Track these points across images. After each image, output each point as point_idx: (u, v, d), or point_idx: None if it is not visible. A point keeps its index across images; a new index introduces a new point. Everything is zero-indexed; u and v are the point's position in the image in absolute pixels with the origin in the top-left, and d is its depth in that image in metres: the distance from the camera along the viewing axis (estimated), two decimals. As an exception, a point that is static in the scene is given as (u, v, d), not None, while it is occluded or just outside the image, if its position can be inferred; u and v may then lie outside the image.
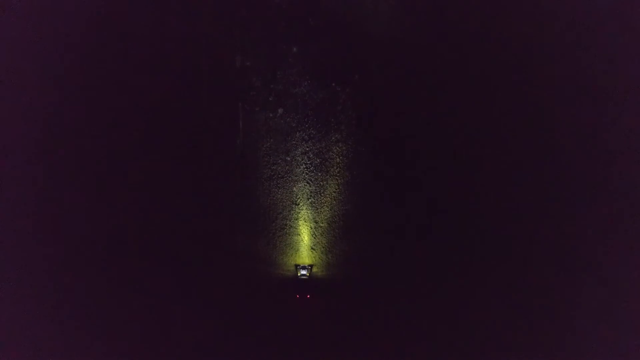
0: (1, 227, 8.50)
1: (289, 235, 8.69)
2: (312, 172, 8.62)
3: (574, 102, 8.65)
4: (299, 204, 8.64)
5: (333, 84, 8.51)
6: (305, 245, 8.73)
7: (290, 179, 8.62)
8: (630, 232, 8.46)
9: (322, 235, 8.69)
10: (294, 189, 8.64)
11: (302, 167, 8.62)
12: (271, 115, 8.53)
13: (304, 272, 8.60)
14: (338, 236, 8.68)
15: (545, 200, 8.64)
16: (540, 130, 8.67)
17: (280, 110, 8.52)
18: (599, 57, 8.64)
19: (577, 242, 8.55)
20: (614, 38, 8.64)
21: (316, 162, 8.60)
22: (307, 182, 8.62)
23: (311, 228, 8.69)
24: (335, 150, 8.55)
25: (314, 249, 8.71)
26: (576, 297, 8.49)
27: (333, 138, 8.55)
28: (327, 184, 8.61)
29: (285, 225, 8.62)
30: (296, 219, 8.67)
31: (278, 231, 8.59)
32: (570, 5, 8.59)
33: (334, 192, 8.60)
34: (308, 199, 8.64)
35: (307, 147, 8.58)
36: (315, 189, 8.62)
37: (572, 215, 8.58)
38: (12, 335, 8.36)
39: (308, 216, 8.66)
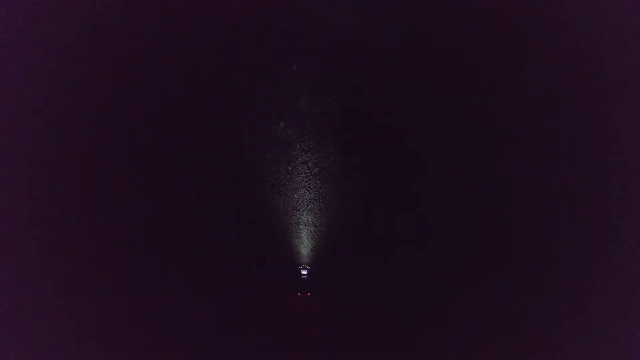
0: (1, 227, 8.57)
1: (291, 238, 9.06)
2: (312, 180, 9.01)
3: (574, 104, 8.73)
4: (299, 210, 9.03)
5: (330, 99, 8.98)
6: (305, 248, 9.08)
7: (291, 186, 9.01)
8: (631, 233, 8.40)
9: (321, 238, 9.06)
10: (295, 196, 9.02)
11: (302, 175, 9.01)
12: (273, 128, 8.97)
13: (304, 272, 8.99)
14: (336, 239, 9.05)
15: (544, 202, 8.75)
16: (540, 134, 8.78)
17: (281, 124, 8.96)
18: (598, 58, 8.65)
19: (577, 243, 8.60)
20: (614, 39, 8.60)
21: (315, 171, 9.00)
22: (307, 190, 9.02)
23: (311, 232, 9.06)
24: (332, 160, 9.00)
25: (313, 251, 9.08)
26: (576, 298, 8.49)
27: (330, 149, 8.98)
28: (325, 191, 9.01)
29: (287, 229, 9.03)
30: (297, 224, 9.04)
31: (280, 235, 9.01)
32: (568, 6, 8.69)
33: (332, 198, 9.01)
34: (308, 205, 9.03)
35: (307, 157, 9.00)
36: (315, 196, 9.02)
37: (572, 216, 8.65)
38: (12, 334, 8.40)
39: (308, 221, 9.05)
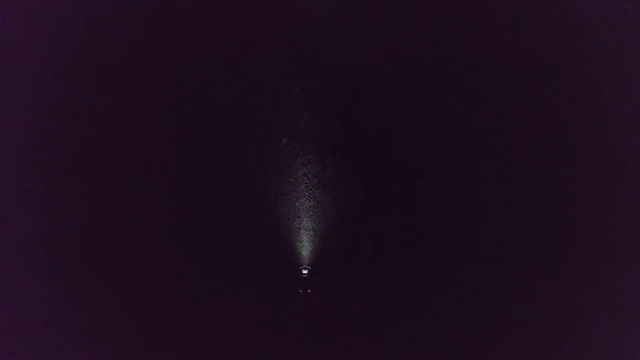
0: (1, 227, 8.70)
1: (293, 241, 9.62)
2: (311, 190, 9.59)
3: (573, 105, 8.93)
4: (300, 216, 9.62)
5: (327, 118, 9.63)
6: (306, 250, 9.63)
7: (293, 196, 9.59)
8: (630, 233, 8.41)
9: (320, 241, 9.63)
10: (297, 204, 9.60)
11: (302, 186, 9.60)
12: (277, 144, 9.57)
13: (305, 272, 9.59)
14: (333, 242, 9.62)
15: (545, 202, 8.92)
16: (540, 135, 8.98)
17: (284, 140, 9.58)
18: (597, 58, 8.81)
19: (578, 243, 8.72)
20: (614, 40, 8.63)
21: (314, 182, 9.59)
22: (307, 199, 9.62)
23: (311, 236, 9.63)
24: (329, 172, 9.61)
25: (313, 253, 9.66)
26: (576, 298, 8.55)
27: (328, 162, 9.61)
28: (323, 199, 9.62)
29: (290, 233, 9.62)
30: (298, 229, 9.61)
31: (284, 238, 9.60)
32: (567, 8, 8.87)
33: (329, 206, 9.62)
34: (308, 212, 9.61)
35: (307, 170, 9.59)
36: (314, 204, 9.62)
37: (573, 217, 8.79)
38: (13, 335, 8.45)
39: (308, 226, 9.62)
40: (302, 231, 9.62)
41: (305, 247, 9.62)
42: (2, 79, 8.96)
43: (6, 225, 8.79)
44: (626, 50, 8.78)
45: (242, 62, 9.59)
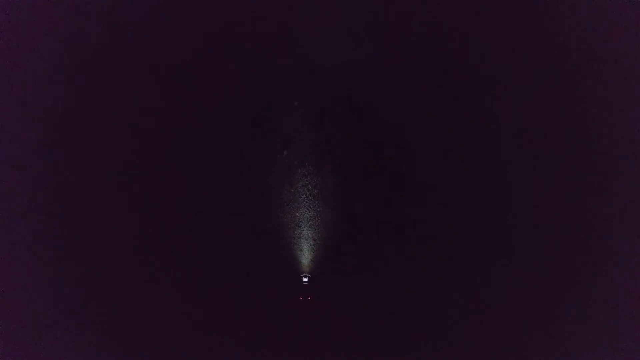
0: (2, 226, 8.78)
1: (293, 250, 9.77)
2: (311, 200, 9.77)
3: (572, 105, 9.03)
4: (300, 226, 9.79)
5: (327, 131, 9.82)
6: (306, 258, 9.78)
7: (293, 206, 9.76)
8: (630, 233, 8.41)
9: (319, 250, 9.77)
10: (297, 214, 9.77)
11: (303, 196, 9.78)
12: (278, 155, 9.76)
13: (305, 279, 9.75)
14: (332, 251, 9.78)
15: (545, 202, 8.99)
16: (540, 136, 9.07)
17: (285, 152, 9.77)
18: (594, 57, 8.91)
19: (577, 243, 8.77)
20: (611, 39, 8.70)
21: (314, 192, 9.77)
22: (307, 209, 9.79)
23: (311, 245, 9.79)
24: (329, 183, 9.80)
25: (313, 261, 9.81)
26: (576, 298, 8.59)
27: (327, 173, 9.79)
28: (323, 209, 9.79)
29: (290, 242, 9.78)
30: (299, 238, 9.77)
31: (284, 247, 9.77)
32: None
33: (329, 216, 9.79)
34: (308, 221, 9.77)
35: (307, 181, 9.77)
36: (314, 214, 9.79)
37: (573, 217, 8.84)
38: (12, 334, 8.50)
39: (308, 235, 9.77)
40: (302, 240, 9.76)
41: (306, 255, 9.77)
42: (3, 80, 9.12)
43: (7, 225, 8.92)
44: (626, 49, 8.92)
45: (245, 77, 9.77)
